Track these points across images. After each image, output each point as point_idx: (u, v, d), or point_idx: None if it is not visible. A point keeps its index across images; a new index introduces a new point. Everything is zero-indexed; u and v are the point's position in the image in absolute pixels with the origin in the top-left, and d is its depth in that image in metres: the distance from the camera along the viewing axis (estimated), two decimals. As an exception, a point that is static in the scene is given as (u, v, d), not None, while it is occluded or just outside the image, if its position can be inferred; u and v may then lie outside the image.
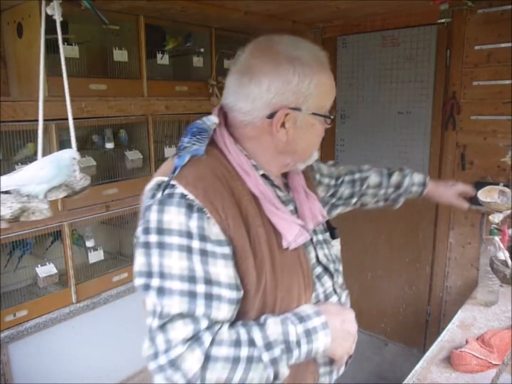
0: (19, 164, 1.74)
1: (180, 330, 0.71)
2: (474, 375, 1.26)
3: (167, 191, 0.77)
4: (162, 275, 0.74)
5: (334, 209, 1.31)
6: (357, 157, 2.70)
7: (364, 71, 2.56)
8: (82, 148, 2.08)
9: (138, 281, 0.77)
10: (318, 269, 0.94)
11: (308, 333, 0.79)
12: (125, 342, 2.28)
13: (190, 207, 0.75)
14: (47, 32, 1.81)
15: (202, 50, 2.46)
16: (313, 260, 0.94)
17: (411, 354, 2.59)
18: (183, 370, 0.70)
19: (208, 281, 0.73)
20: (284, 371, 0.77)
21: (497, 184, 2.09)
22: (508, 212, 1.31)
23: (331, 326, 0.82)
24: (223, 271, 0.75)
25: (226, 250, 0.76)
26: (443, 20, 1.97)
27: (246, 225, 0.79)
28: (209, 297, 0.73)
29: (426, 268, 2.56)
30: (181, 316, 0.72)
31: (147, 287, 0.75)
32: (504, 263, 1.25)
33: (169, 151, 2.38)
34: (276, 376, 0.76)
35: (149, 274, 0.75)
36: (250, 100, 0.82)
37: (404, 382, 1.26)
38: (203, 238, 0.74)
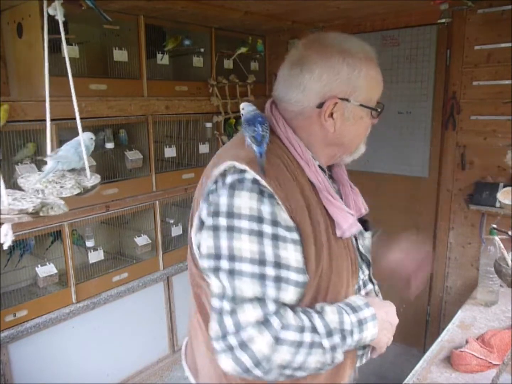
0: (19, 164, 1.75)
1: (250, 312, 0.75)
2: (474, 375, 1.26)
3: (236, 176, 0.78)
4: (231, 258, 0.76)
5: None
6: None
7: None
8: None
9: (207, 263, 0.80)
10: (359, 258, 0.98)
11: (360, 323, 0.84)
12: (125, 342, 2.29)
13: (261, 192, 0.77)
14: (48, 32, 1.81)
15: (202, 50, 2.46)
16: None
17: (411, 354, 2.59)
18: (251, 351, 0.74)
19: (278, 265, 0.76)
20: (340, 357, 0.82)
21: (498, 184, 2.10)
22: None
23: (378, 318, 0.87)
24: (293, 255, 0.78)
25: (295, 235, 0.79)
26: (443, 20, 1.97)
27: (309, 213, 0.82)
28: (278, 280, 0.76)
29: (426, 268, 2.56)
30: (251, 299, 0.75)
31: (216, 269, 0.77)
32: (507, 264, 1.24)
33: (169, 151, 2.38)
34: (332, 362, 0.81)
35: (217, 256, 0.77)
36: (301, 89, 0.86)
37: (404, 382, 1.26)
38: (275, 223, 0.77)
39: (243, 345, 0.74)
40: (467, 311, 1.65)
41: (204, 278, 0.86)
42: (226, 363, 0.76)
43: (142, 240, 2.31)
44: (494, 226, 1.58)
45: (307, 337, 0.77)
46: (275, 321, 0.75)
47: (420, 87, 2.40)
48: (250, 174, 0.78)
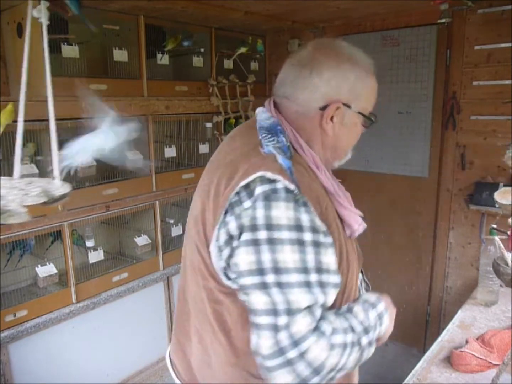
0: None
1: (303, 322, 0.74)
2: (474, 375, 1.26)
3: (267, 187, 0.77)
4: (277, 271, 0.74)
5: None
6: (357, 157, 2.69)
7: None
8: (82, 148, 2.07)
9: (250, 280, 0.76)
10: None
11: (380, 317, 0.88)
12: (125, 342, 2.29)
13: (296, 201, 0.77)
14: (49, 32, 1.81)
15: (202, 50, 2.46)
16: None
17: (411, 354, 2.59)
18: (310, 361, 0.73)
19: (320, 271, 0.77)
20: (372, 352, 0.85)
21: (498, 184, 2.10)
22: None
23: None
24: (331, 259, 0.80)
25: (330, 239, 0.80)
26: (443, 20, 1.97)
27: (332, 216, 0.85)
28: (323, 285, 0.77)
29: (426, 268, 2.56)
30: (304, 308, 0.74)
31: (262, 285, 0.75)
32: (506, 264, 1.24)
33: (169, 151, 2.38)
34: (366, 357, 0.84)
35: (261, 272, 0.75)
36: (309, 90, 0.88)
37: (404, 382, 1.26)
38: (314, 230, 0.77)
39: (302, 356, 0.73)
40: (467, 311, 1.65)
41: (226, 293, 0.86)
42: (284, 378, 0.75)
43: (142, 240, 2.31)
44: (494, 226, 1.58)
45: (349, 337, 0.79)
46: (326, 328, 0.76)
47: (420, 87, 2.40)
48: (282, 183, 0.77)
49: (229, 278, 0.84)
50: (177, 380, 1.03)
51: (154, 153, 2.28)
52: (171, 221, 2.50)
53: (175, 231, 2.48)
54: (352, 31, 2.55)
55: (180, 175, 2.45)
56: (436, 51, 2.31)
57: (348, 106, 0.89)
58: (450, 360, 1.32)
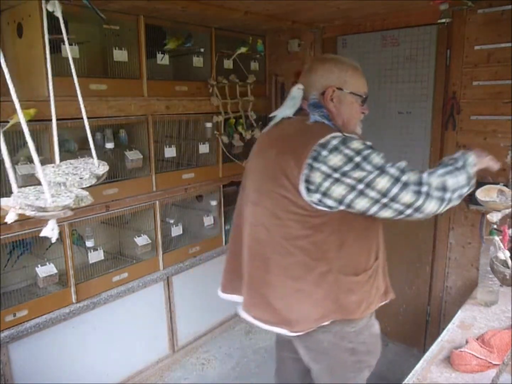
0: (19, 164, 1.75)
1: (413, 173, 1.18)
2: (474, 375, 1.26)
3: (339, 139, 1.19)
4: (379, 168, 1.17)
5: None
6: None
7: (364, 71, 2.53)
8: (82, 148, 2.08)
9: (371, 176, 1.15)
10: None
11: (463, 154, 1.27)
12: (125, 342, 2.29)
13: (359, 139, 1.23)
14: (48, 32, 1.81)
15: (202, 50, 2.46)
16: None
17: (411, 354, 2.59)
18: (437, 187, 1.17)
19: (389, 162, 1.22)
20: (472, 171, 1.24)
21: (497, 184, 2.10)
22: (508, 211, 1.31)
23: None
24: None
25: None
26: (443, 20, 1.96)
27: None
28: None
29: (426, 268, 2.56)
30: (405, 168, 1.19)
31: (378, 174, 1.15)
32: (505, 263, 1.25)
33: (169, 151, 2.38)
34: (471, 175, 1.23)
35: (371, 171, 1.16)
36: (311, 84, 1.36)
37: (404, 382, 1.26)
38: (375, 146, 1.22)
39: (431, 187, 1.16)
40: (467, 311, 1.65)
41: (315, 216, 1.22)
42: (431, 205, 1.17)
43: (142, 240, 2.31)
44: (495, 226, 1.58)
45: (448, 167, 1.22)
46: (424, 171, 1.20)
47: (420, 87, 2.40)
48: (343, 135, 1.21)
49: (318, 204, 1.21)
50: (264, 326, 1.35)
51: (154, 153, 2.28)
52: (171, 221, 2.50)
53: (175, 231, 2.48)
54: (352, 31, 2.55)
55: (180, 175, 2.45)
56: (436, 51, 2.31)
57: (340, 89, 1.33)
58: (450, 360, 1.32)
